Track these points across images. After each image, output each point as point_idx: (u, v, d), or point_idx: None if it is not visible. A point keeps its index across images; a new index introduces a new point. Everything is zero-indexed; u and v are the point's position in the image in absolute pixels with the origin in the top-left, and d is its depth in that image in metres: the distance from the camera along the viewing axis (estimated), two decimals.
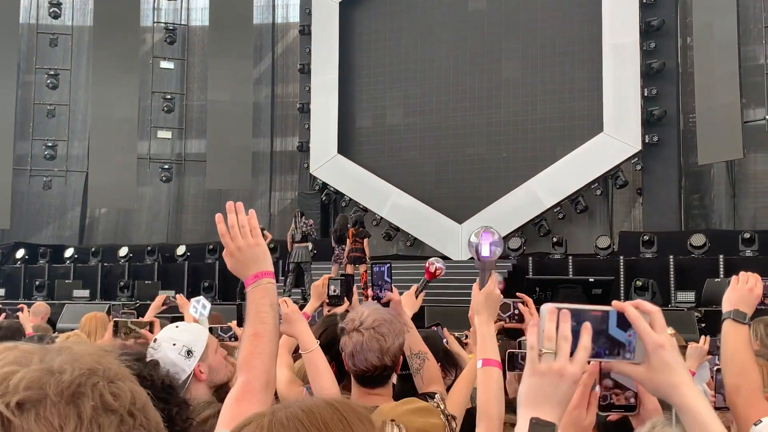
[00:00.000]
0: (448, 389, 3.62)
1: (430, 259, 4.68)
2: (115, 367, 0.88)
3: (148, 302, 6.16)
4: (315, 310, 4.07)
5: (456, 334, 5.45)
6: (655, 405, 1.66)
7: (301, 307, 3.77)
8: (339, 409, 1.21)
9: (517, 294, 3.10)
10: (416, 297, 3.58)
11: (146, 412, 0.87)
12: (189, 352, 2.92)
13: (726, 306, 2.51)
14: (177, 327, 3.08)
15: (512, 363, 3.41)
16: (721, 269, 12.80)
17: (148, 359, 2.63)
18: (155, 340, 2.95)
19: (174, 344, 2.91)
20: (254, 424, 1.17)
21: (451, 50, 17.41)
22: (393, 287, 3.45)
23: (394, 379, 2.83)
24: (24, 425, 0.77)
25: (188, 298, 7.97)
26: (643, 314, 1.27)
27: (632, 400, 1.48)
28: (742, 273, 2.55)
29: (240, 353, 1.94)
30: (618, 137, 15.30)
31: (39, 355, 0.85)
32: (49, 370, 0.83)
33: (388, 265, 3.58)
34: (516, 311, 3.04)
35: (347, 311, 3.53)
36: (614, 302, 1.28)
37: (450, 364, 3.60)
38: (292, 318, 2.94)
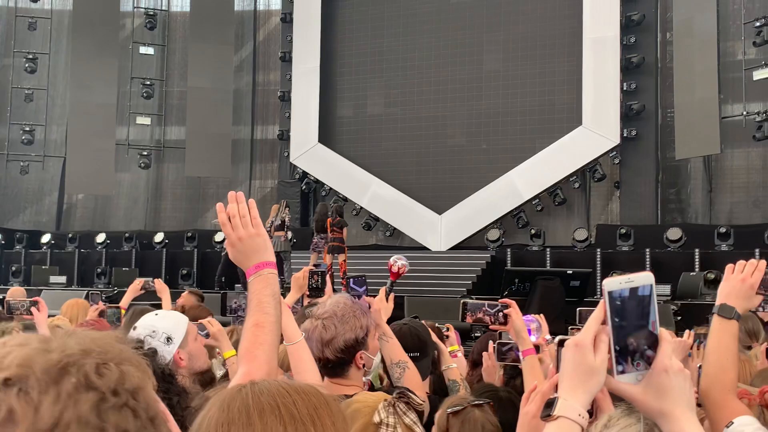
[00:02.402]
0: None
1: (392, 258, 4.72)
2: (117, 350, 0.87)
3: (125, 289, 6.15)
4: (295, 301, 4.08)
5: (436, 324, 5.47)
6: (611, 410, 1.68)
7: (283, 296, 3.79)
8: (313, 397, 1.31)
9: (501, 300, 3.13)
10: (387, 300, 3.60)
11: (136, 394, 0.84)
12: (168, 339, 2.94)
13: (717, 300, 2.32)
14: (156, 315, 3.10)
15: (500, 354, 3.46)
16: (697, 263, 12.96)
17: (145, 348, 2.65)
18: (134, 328, 2.96)
19: (154, 331, 2.93)
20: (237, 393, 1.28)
21: (433, 41, 17.41)
22: (364, 297, 3.49)
23: (362, 373, 2.84)
24: (5, 399, 0.78)
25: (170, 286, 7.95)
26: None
27: (589, 406, 1.44)
28: (739, 262, 2.32)
29: (241, 343, 1.94)
30: (597, 131, 15.40)
31: (41, 339, 0.87)
32: (44, 350, 0.83)
33: (362, 277, 3.64)
34: (500, 313, 3.07)
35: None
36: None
37: (438, 361, 3.65)
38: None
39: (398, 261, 4.74)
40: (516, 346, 3.20)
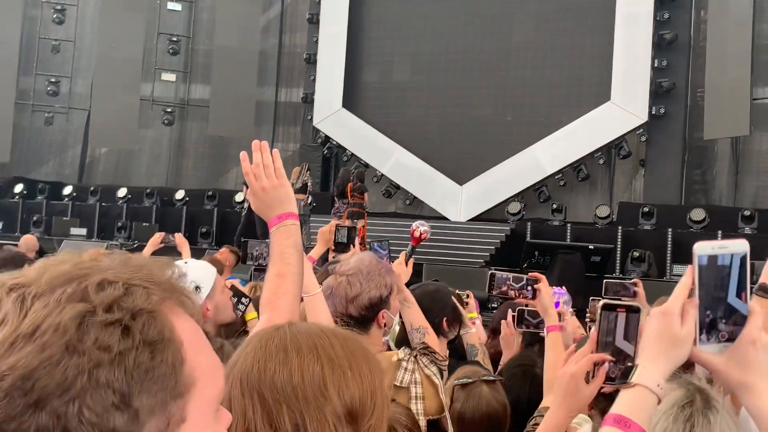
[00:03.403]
0: (450, 343, 3.65)
1: (414, 223, 4.67)
2: (144, 273, 0.81)
3: (145, 243, 6.16)
4: (320, 255, 4.08)
5: (457, 291, 5.44)
6: None
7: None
8: (350, 342, 1.34)
9: (531, 274, 3.07)
10: (406, 264, 3.58)
11: (138, 315, 0.76)
12: (197, 288, 2.95)
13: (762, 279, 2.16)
14: (186, 263, 3.10)
15: (519, 321, 3.43)
16: None
17: None
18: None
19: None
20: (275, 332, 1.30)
21: (463, 9, 17.20)
22: (386, 260, 3.46)
23: (383, 332, 2.83)
24: (5, 304, 0.75)
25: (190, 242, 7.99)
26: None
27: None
28: None
29: (264, 293, 1.96)
30: (625, 107, 15.21)
31: (83, 254, 0.84)
32: (63, 261, 0.80)
33: (386, 241, 3.61)
34: (529, 287, 3.02)
35: None
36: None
37: (455, 320, 3.62)
38: None
39: (421, 227, 4.69)
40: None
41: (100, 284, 0.77)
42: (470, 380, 2.76)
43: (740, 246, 1.22)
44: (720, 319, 1.22)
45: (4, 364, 0.71)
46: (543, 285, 3.00)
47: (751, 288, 2.29)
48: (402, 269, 3.45)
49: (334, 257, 4.31)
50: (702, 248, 1.22)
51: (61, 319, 0.73)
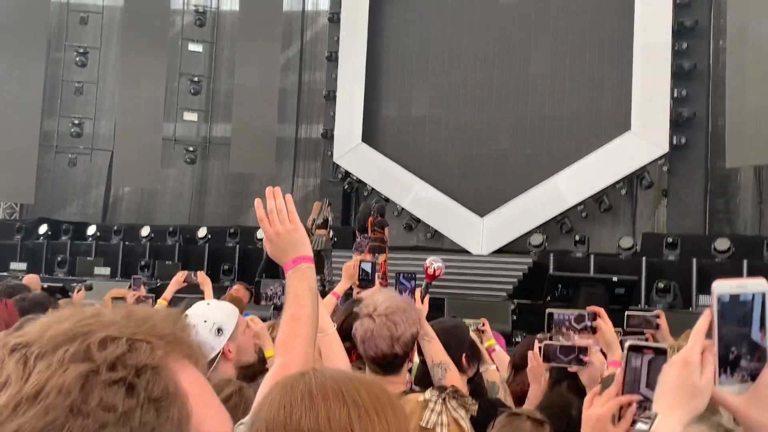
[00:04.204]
0: (470, 380, 3.61)
1: (428, 260, 4.65)
2: (147, 327, 0.80)
3: (168, 282, 6.18)
4: (344, 291, 4.08)
5: (472, 325, 5.37)
6: None
7: (324, 294, 3.77)
8: (374, 387, 1.34)
9: (590, 309, 3.00)
10: (422, 302, 3.56)
11: (142, 372, 0.76)
12: (219, 330, 2.94)
13: None
14: (209, 304, 3.10)
15: (548, 356, 3.35)
16: (745, 274, 12.64)
17: None
18: (186, 316, 2.97)
19: (205, 321, 2.93)
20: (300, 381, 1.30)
21: (480, 43, 17.31)
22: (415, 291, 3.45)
23: (407, 368, 2.82)
24: (8, 364, 0.74)
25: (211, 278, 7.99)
26: None
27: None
28: None
29: (279, 335, 1.97)
30: (645, 137, 15.16)
31: (85, 311, 0.83)
32: (64, 319, 0.79)
33: (412, 274, 3.60)
34: (589, 323, 2.94)
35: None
36: None
37: (474, 357, 3.57)
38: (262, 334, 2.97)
39: (434, 263, 4.67)
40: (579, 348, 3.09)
41: (102, 342, 0.76)
42: (517, 414, 2.71)
43: (760, 286, 1.21)
44: (744, 355, 1.21)
45: (7, 428, 0.70)
46: (603, 320, 2.93)
47: None
48: (418, 307, 3.43)
49: (358, 293, 4.31)
50: (721, 287, 1.21)
51: (64, 380, 0.72)
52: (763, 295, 1.20)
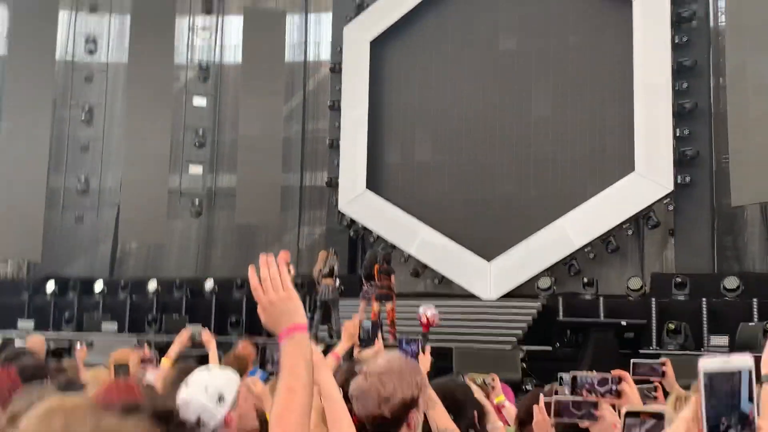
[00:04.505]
0: None
1: (420, 309, 4.62)
2: None
3: (174, 337, 6.15)
4: (345, 351, 4.04)
5: (480, 378, 5.29)
6: None
7: (326, 353, 3.74)
8: None
9: (614, 372, 2.94)
10: (423, 354, 3.52)
11: None
12: (221, 398, 2.89)
13: (765, 368, 2.26)
14: (210, 371, 3.06)
15: (560, 411, 3.28)
16: (755, 313, 12.57)
17: (178, 408, 2.60)
18: (186, 384, 2.92)
19: (206, 389, 2.89)
20: None
21: (481, 87, 17.44)
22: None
23: None
24: None
25: (215, 333, 8.00)
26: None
27: None
28: None
29: (274, 408, 1.95)
30: (650, 177, 15.17)
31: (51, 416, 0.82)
32: None
33: (415, 339, 3.57)
34: (614, 386, 2.89)
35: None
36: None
37: (481, 417, 3.52)
38: (315, 364, 2.91)
39: (427, 311, 4.65)
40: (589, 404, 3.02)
41: None
42: None
43: (745, 362, 1.23)
44: (734, 425, 1.21)
45: None
46: (628, 383, 2.87)
47: None
48: (421, 359, 3.40)
49: (359, 353, 4.27)
50: (708, 365, 1.23)
51: None
52: (749, 372, 1.23)
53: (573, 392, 2.98)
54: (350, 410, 2.76)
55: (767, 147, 13.65)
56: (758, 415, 1.22)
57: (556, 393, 3.50)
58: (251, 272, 1.99)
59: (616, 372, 2.90)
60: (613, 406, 3.02)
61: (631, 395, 2.84)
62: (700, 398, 1.22)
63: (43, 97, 18.99)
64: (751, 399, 1.22)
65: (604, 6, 16.43)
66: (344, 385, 2.96)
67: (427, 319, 4.07)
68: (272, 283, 1.98)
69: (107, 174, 20.50)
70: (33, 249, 18.73)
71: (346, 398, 2.78)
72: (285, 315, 1.98)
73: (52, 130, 19.76)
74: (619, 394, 2.85)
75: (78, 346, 8.01)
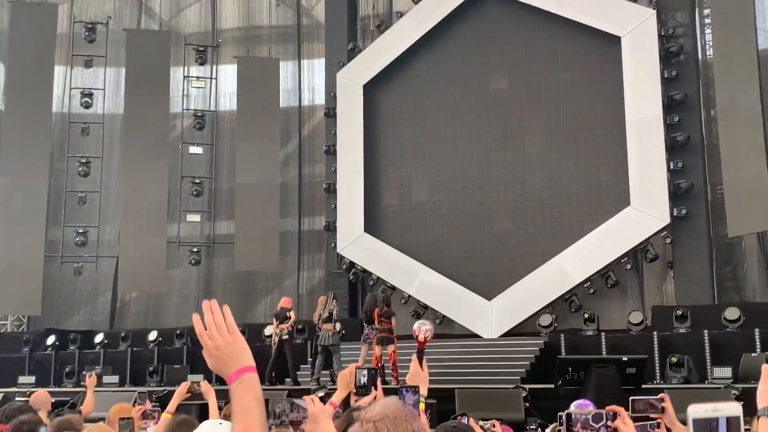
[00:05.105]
0: None
1: (415, 326, 4.64)
2: None
3: (176, 388, 6.13)
4: (341, 400, 4.03)
5: (485, 425, 5.28)
6: None
7: (330, 394, 3.74)
8: None
9: (609, 408, 2.94)
10: (421, 368, 3.54)
11: None
12: None
13: (761, 402, 2.30)
14: (221, 424, 3.11)
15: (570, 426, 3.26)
16: (758, 343, 12.52)
17: None
18: None
19: None
20: None
21: (475, 127, 17.58)
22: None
23: None
24: None
25: (217, 382, 7.95)
26: None
27: None
28: None
29: None
30: (646, 211, 15.23)
31: None
32: None
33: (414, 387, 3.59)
34: (608, 423, 2.89)
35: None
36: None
37: None
38: (317, 417, 2.91)
39: (422, 326, 4.67)
40: None
41: None
42: None
43: (732, 409, 1.30)
44: None
45: None
46: (623, 420, 2.87)
47: None
48: (420, 375, 3.41)
49: (356, 401, 4.25)
50: (696, 411, 1.30)
51: None
52: (735, 418, 1.30)
53: (568, 430, 2.98)
54: None
55: (760, 177, 13.74)
56: None
57: None
58: (195, 319, 2.02)
59: (611, 408, 2.90)
60: None
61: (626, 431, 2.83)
62: None
63: (40, 150, 19.08)
64: None
65: (593, 43, 16.62)
66: None
67: (424, 335, 4.14)
68: (217, 328, 2.00)
69: (105, 225, 20.53)
70: (32, 303, 18.67)
71: None
72: (232, 358, 1.99)
73: (49, 183, 19.85)
74: (614, 431, 2.85)
75: (88, 375, 8.09)
